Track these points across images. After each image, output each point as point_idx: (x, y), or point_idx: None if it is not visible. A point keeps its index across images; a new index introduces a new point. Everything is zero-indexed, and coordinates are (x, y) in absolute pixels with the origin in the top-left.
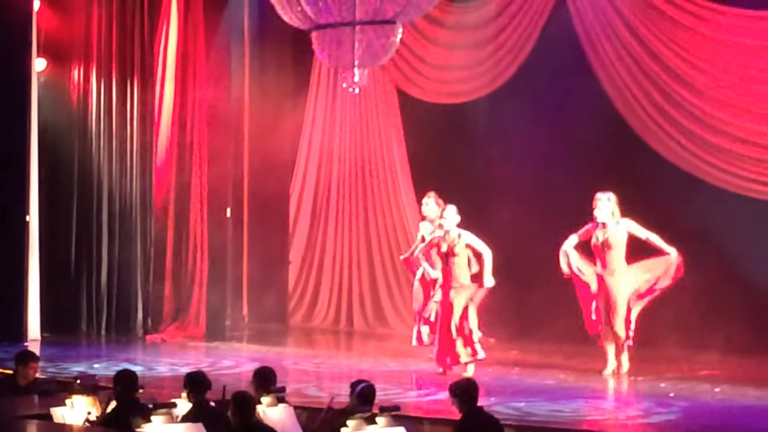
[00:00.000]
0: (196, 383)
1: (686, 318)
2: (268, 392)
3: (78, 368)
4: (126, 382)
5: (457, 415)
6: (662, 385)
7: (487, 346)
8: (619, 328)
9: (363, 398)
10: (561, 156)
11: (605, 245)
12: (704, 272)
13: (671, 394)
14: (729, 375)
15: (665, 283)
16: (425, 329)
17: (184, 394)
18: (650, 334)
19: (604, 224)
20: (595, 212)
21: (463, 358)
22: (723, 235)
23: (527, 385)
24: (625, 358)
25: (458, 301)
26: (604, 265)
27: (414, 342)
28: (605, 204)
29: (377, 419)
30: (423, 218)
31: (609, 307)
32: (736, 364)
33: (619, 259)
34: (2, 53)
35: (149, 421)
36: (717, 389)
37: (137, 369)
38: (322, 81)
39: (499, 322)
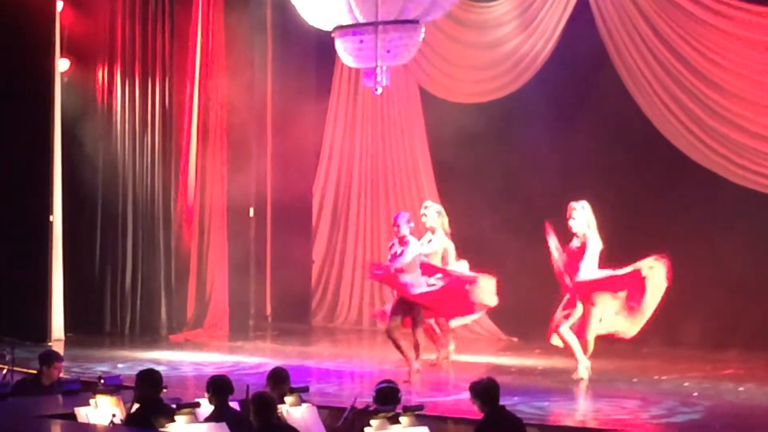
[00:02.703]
0: (218, 387)
1: (710, 317)
2: (283, 392)
3: (102, 368)
4: (149, 381)
5: (480, 415)
6: (686, 384)
7: (511, 345)
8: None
9: (382, 397)
10: (584, 153)
11: (579, 256)
12: (728, 271)
13: (695, 393)
14: (753, 374)
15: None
16: None
17: (206, 396)
18: (674, 333)
19: (577, 235)
20: (570, 222)
21: None
22: (746, 234)
23: (550, 384)
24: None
25: None
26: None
27: None
28: (580, 213)
29: (400, 419)
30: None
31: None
32: (760, 363)
33: (593, 269)
34: (26, 53)
35: (172, 420)
36: (741, 388)
37: (161, 369)
38: (344, 80)
39: (523, 321)
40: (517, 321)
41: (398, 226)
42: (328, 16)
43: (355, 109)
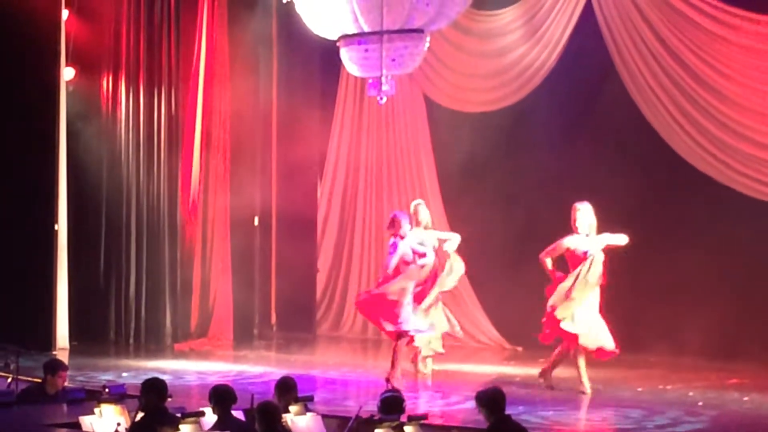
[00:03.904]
0: (221, 397)
1: (715, 326)
2: (289, 402)
3: (106, 377)
4: (154, 390)
5: (485, 424)
6: (691, 394)
7: (515, 354)
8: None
9: (387, 407)
10: (588, 162)
11: (585, 257)
12: (732, 280)
13: (700, 403)
14: (758, 383)
15: None
16: None
17: (210, 406)
18: (679, 342)
19: (586, 235)
20: (576, 224)
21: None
22: (752, 243)
23: (555, 394)
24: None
25: None
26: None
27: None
28: (584, 214)
29: (405, 428)
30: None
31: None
32: (765, 373)
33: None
34: (31, 62)
35: (177, 429)
36: (746, 398)
37: (165, 378)
38: (349, 89)
39: (527, 331)
40: (521, 330)
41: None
42: (333, 25)
43: (361, 118)
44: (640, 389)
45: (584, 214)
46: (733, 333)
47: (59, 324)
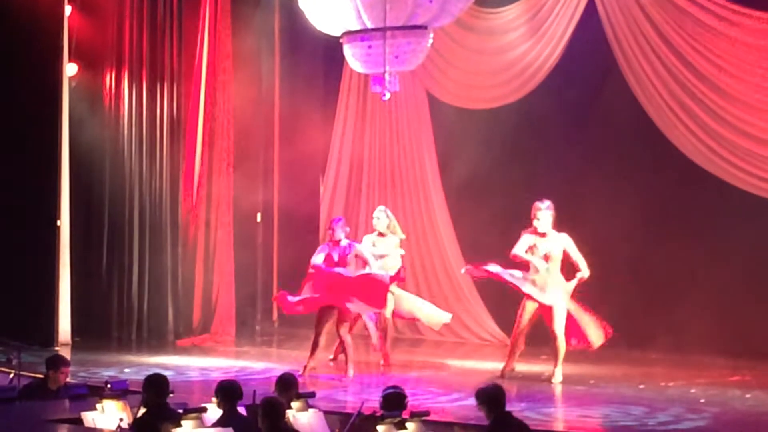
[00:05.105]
0: (227, 392)
1: (717, 324)
2: (290, 398)
3: (108, 373)
4: (156, 386)
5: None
6: (693, 390)
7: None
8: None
9: (389, 403)
10: (591, 160)
11: (546, 257)
12: (734, 278)
13: (702, 400)
14: (760, 380)
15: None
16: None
17: (214, 401)
18: (680, 339)
19: (543, 234)
20: (535, 222)
21: None
22: (753, 240)
23: (557, 390)
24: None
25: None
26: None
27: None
28: (545, 213)
29: (407, 424)
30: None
31: (548, 315)
32: (767, 370)
33: (557, 270)
34: (34, 58)
35: (179, 425)
36: (748, 395)
37: (168, 373)
38: (353, 86)
39: (528, 328)
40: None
41: (333, 230)
42: (337, 22)
43: (364, 115)
44: (641, 386)
45: (543, 213)
46: (735, 329)
47: (61, 320)
